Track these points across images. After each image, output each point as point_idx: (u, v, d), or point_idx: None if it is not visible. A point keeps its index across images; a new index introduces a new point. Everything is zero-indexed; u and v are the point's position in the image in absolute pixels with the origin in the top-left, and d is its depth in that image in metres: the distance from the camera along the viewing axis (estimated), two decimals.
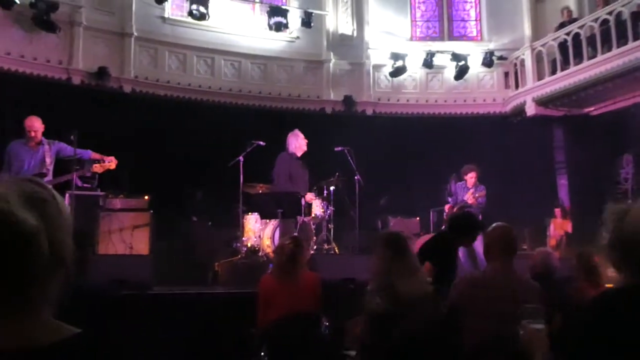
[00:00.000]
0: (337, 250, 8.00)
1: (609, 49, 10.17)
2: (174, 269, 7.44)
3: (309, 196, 7.46)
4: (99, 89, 10.43)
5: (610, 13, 10.20)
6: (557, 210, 10.30)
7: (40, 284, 1.03)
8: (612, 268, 1.62)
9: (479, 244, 8.22)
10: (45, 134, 6.83)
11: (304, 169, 7.72)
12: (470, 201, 8.53)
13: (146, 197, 7.54)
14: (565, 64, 11.12)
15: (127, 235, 7.07)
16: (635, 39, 9.67)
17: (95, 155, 6.76)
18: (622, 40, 9.91)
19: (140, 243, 7.11)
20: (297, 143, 7.61)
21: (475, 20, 13.32)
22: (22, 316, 1.02)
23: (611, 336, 1.45)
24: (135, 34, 10.95)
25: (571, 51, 10.94)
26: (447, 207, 8.90)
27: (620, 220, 1.58)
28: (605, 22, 10.27)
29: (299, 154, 7.64)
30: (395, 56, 12.27)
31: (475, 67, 12.50)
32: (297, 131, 7.80)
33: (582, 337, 1.54)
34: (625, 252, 1.56)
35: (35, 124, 6.59)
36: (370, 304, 3.34)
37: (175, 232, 9.15)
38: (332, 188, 8.32)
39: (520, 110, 12.07)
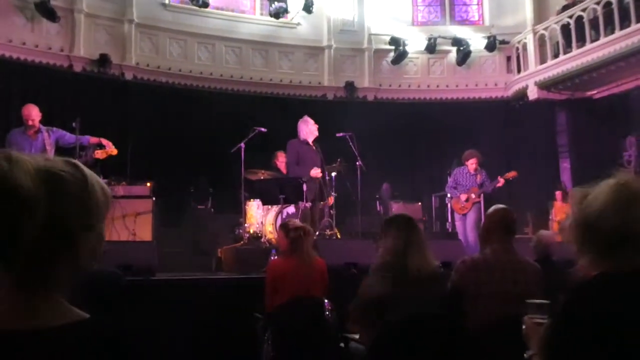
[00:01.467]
0: (339, 236, 8.01)
1: (612, 32, 10.11)
2: (178, 255, 7.48)
3: (314, 171, 7.45)
4: (100, 76, 10.42)
5: None
6: (559, 194, 10.30)
7: (40, 261, 1.03)
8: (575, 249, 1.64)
9: (470, 220, 8.31)
10: (47, 121, 6.84)
11: (317, 154, 7.71)
12: (500, 184, 8.55)
13: (148, 184, 7.55)
14: (568, 47, 11.06)
15: (130, 222, 7.08)
16: (638, 21, 9.60)
17: (94, 140, 6.75)
18: (626, 22, 9.84)
19: (143, 230, 7.13)
20: (308, 129, 7.65)
21: (477, 4, 13.24)
22: (30, 296, 1.03)
23: (581, 329, 1.45)
24: (136, 20, 10.92)
25: (574, 34, 10.88)
26: (462, 196, 8.72)
27: (580, 203, 1.59)
28: (608, 4, 10.19)
29: (310, 140, 7.66)
30: (397, 41, 12.22)
31: (477, 52, 12.45)
32: (306, 117, 7.82)
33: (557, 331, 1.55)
34: (583, 234, 1.57)
35: (33, 112, 6.58)
36: (372, 286, 3.36)
37: (178, 218, 9.18)
38: (334, 174, 8.32)
39: (522, 94, 12.03)
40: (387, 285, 3.28)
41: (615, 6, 10.02)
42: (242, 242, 7.56)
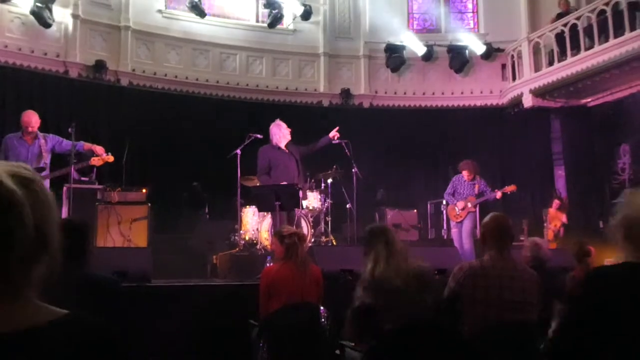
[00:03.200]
0: (334, 243, 8.02)
1: (606, 40, 10.17)
2: (173, 261, 7.45)
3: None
4: (96, 82, 10.41)
5: (607, 4, 10.19)
6: (554, 201, 10.33)
7: (25, 263, 1.03)
8: (617, 246, 1.76)
9: (466, 228, 8.31)
10: (43, 126, 6.82)
11: (291, 159, 7.41)
12: (498, 196, 8.58)
13: (144, 190, 7.54)
14: (562, 55, 11.12)
15: (125, 228, 7.08)
16: (632, 29, 9.67)
17: (87, 145, 6.71)
18: (620, 30, 9.90)
19: (138, 236, 7.13)
20: (280, 133, 7.29)
21: (473, 12, 13.32)
22: (10, 298, 1.03)
23: (607, 307, 1.54)
24: (132, 27, 10.93)
25: (568, 42, 10.94)
26: (459, 204, 8.72)
27: (628, 202, 1.72)
28: (602, 12, 10.26)
29: (283, 144, 7.36)
30: (393, 48, 12.27)
31: (473, 59, 12.50)
32: (278, 121, 7.47)
33: (580, 309, 1.66)
34: (629, 229, 1.68)
35: (33, 119, 6.56)
36: (355, 297, 3.39)
37: (174, 224, 9.17)
38: (329, 181, 8.33)
39: (517, 101, 12.08)
40: (377, 297, 3.30)
41: (609, 14, 10.09)
42: (237, 249, 7.56)
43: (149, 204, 7.48)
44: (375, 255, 3.44)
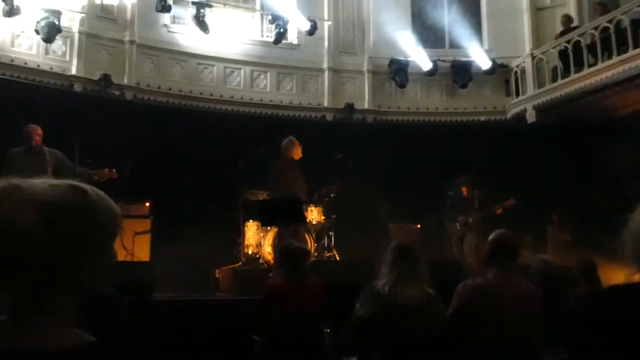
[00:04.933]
0: (337, 257, 8.00)
1: (610, 57, 10.20)
2: (175, 275, 7.45)
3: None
4: (100, 96, 10.45)
5: (610, 21, 10.24)
6: (557, 217, 10.30)
7: (39, 287, 1.03)
8: (627, 263, 1.70)
9: (468, 244, 8.29)
10: (48, 140, 6.84)
11: (302, 175, 7.67)
12: (498, 212, 8.60)
13: (147, 204, 7.55)
14: (566, 72, 11.15)
15: (128, 241, 7.07)
16: (635, 47, 9.69)
17: (90, 174, 6.71)
18: (623, 47, 9.93)
19: (141, 250, 7.13)
20: (295, 149, 7.59)
21: (477, 28, 13.34)
22: (33, 320, 1.04)
23: (629, 328, 1.50)
24: (138, 41, 10.99)
25: (572, 59, 10.97)
26: (460, 219, 8.79)
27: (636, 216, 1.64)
28: (605, 29, 10.30)
29: (296, 159, 7.60)
30: (397, 64, 12.30)
31: (477, 75, 12.52)
32: (292, 137, 7.76)
33: (598, 329, 1.60)
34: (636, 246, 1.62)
35: (35, 133, 6.59)
36: (359, 309, 3.38)
37: (176, 238, 9.15)
38: (332, 195, 8.33)
39: (521, 117, 12.09)
40: (376, 309, 3.29)
41: (612, 32, 10.12)
42: (240, 263, 7.54)
43: (152, 218, 7.49)
44: (397, 273, 3.42)
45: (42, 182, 1.09)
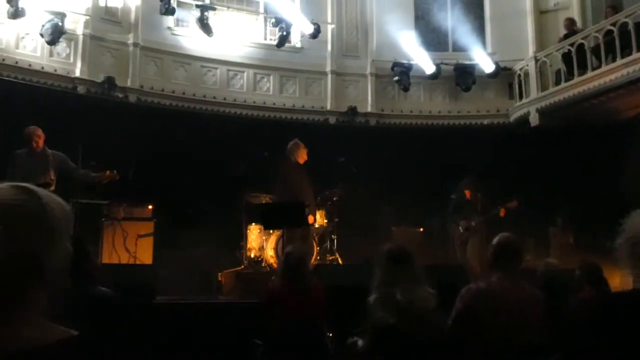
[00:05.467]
0: (340, 261, 7.98)
1: (614, 60, 10.17)
2: (178, 277, 7.44)
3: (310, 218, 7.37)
4: (104, 98, 10.47)
5: (614, 24, 10.21)
6: (560, 221, 10.27)
7: (7, 287, 1.06)
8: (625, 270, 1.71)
9: (471, 247, 8.26)
10: (51, 142, 6.86)
11: (307, 178, 7.69)
12: (501, 214, 8.59)
13: (150, 206, 7.55)
14: (569, 75, 11.13)
15: (130, 244, 7.08)
16: (639, 50, 9.66)
17: (92, 176, 6.75)
18: (627, 50, 9.91)
19: (144, 252, 7.13)
20: (300, 152, 7.61)
21: (480, 31, 13.33)
22: (6, 320, 1.05)
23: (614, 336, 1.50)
24: (142, 44, 11.01)
25: (575, 62, 10.95)
26: (462, 222, 8.81)
27: (635, 223, 1.67)
28: (609, 32, 10.28)
29: (301, 162, 7.63)
30: (400, 67, 12.29)
31: (480, 78, 12.51)
32: (298, 140, 7.78)
33: (608, 334, 1.60)
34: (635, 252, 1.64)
35: (36, 135, 6.62)
36: (374, 317, 3.33)
37: (179, 241, 9.15)
38: (335, 198, 8.32)
39: (524, 121, 12.07)
40: (388, 318, 3.26)
41: (616, 34, 10.10)
42: (242, 267, 7.54)
43: (155, 220, 7.49)
44: (391, 277, 3.39)
45: None
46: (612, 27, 10.23)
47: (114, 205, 7.32)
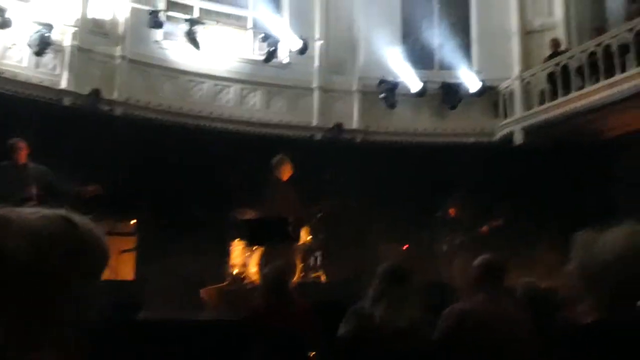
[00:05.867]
0: (325, 278, 7.95)
1: (597, 81, 10.32)
2: (161, 294, 7.35)
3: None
4: (89, 110, 10.40)
5: (598, 45, 10.37)
6: (547, 238, 10.30)
7: (33, 318, 1.03)
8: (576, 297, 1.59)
9: (457, 266, 8.28)
10: (35, 155, 6.79)
11: (292, 194, 7.63)
12: (484, 231, 8.61)
13: (133, 221, 7.48)
14: (554, 95, 11.26)
15: (113, 259, 6.98)
16: (622, 71, 9.82)
17: (76, 190, 6.68)
18: (610, 71, 10.05)
19: (125, 268, 7.04)
20: (284, 167, 7.56)
21: (466, 50, 13.45)
22: (30, 353, 1.02)
23: None
24: (129, 56, 10.98)
25: (560, 82, 11.09)
26: (448, 239, 8.85)
27: (589, 248, 1.53)
28: (593, 54, 10.43)
29: (285, 178, 7.57)
30: (386, 84, 12.37)
31: (466, 97, 12.61)
32: (282, 156, 7.75)
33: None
34: (592, 279, 1.51)
35: (19, 147, 6.54)
36: (341, 329, 3.36)
37: (163, 256, 9.06)
38: (320, 214, 8.30)
39: (509, 139, 12.17)
40: (362, 330, 3.27)
41: (600, 56, 10.25)
42: (225, 283, 7.48)
43: (138, 235, 7.42)
44: (388, 297, 3.38)
45: (33, 213, 1.09)
46: (596, 49, 10.38)
47: (97, 219, 7.24)
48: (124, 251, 7.11)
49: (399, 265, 3.66)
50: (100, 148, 9.89)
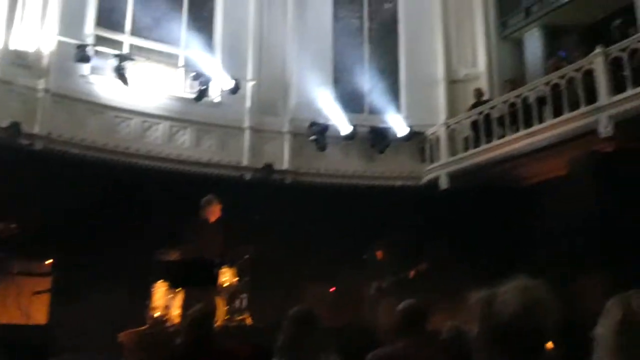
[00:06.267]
0: (250, 321, 7.78)
1: (517, 130, 10.80)
2: (76, 337, 6.98)
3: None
4: (8, 144, 9.93)
5: (518, 96, 10.90)
6: (469, 282, 10.52)
7: None
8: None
9: (383, 309, 8.30)
10: None
11: (219, 235, 7.49)
12: (411, 276, 8.68)
13: (49, 261, 7.12)
14: (477, 142, 11.69)
15: (24, 302, 6.60)
16: (540, 122, 10.32)
17: None
18: (529, 122, 10.55)
19: (38, 311, 6.65)
20: (212, 208, 7.46)
21: (395, 96, 13.82)
22: None
23: None
24: (53, 90, 10.62)
25: (482, 130, 11.54)
26: (374, 283, 8.90)
27: (488, 309, 1.52)
28: (513, 104, 10.94)
29: (212, 219, 7.46)
30: (317, 126, 12.50)
31: (394, 141, 12.90)
32: (211, 196, 7.65)
33: None
34: (495, 340, 1.49)
35: None
36: None
37: (80, 298, 8.64)
38: (247, 256, 8.17)
39: (434, 183, 12.49)
40: None
41: (520, 107, 10.76)
42: (145, 326, 7.18)
43: (54, 276, 7.05)
44: (298, 342, 3.30)
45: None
46: (516, 100, 10.90)
47: (8, 258, 6.84)
48: (37, 292, 6.71)
49: (309, 310, 3.60)
50: (17, 184, 9.43)
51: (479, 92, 12.45)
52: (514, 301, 1.49)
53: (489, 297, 1.53)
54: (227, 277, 7.73)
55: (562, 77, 10.07)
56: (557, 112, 10.01)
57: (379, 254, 8.89)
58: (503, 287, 1.53)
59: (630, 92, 8.76)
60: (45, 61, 10.67)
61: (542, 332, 1.47)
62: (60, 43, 10.74)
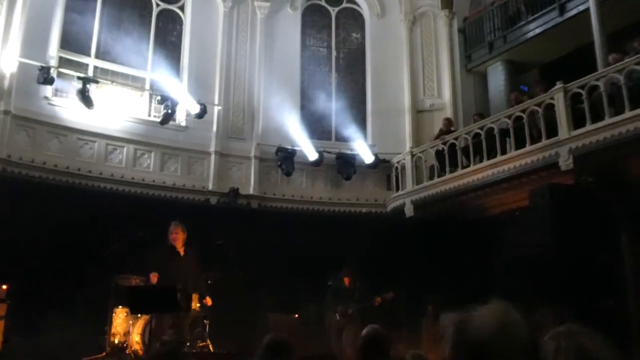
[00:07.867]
0: (211, 348, 7.65)
1: (481, 160, 10.97)
2: None
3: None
4: None
5: (482, 128, 11.10)
6: (430, 309, 10.57)
7: None
8: None
9: (347, 336, 8.24)
10: None
11: (185, 261, 7.40)
12: (377, 303, 8.68)
13: (4, 287, 6.90)
14: (442, 171, 11.84)
15: None
16: (503, 153, 10.51)
17: None
18: (492, 152, 10.73)
19: None
20: (176, 235, 7.39)
21: (362, 124, 13.94)
22: None
23: None
24: (13, 112, 10.39)
25: (447, 159, 11.70)
26: (339, 309, 8.89)
27: (461, 329, 1.54)
28: (477, 135, 11.13)
29: (178, 246, 7.37)
30: (283, 152, 12.52)
31: (360, 168, 12.99)
32: (176, 222, 7.57)
33: None
34: None
35: None
36: None
37: (37, 325, 8.38)
38: (210, 282, 8.06)
39: (400, 211, 12.57)
40: None
41: (483, 138, 10.95)
42: (104, 354, 6.99)
43: (9, 302, 6.83)
44: None
45: None
46: (479, 131, 11.09)
47: None
48: None
49: (282, 339, 3.54)
50: None
51: (449, 122, 12.65)
52: (491, 322, 1.51)
53: (464, 319, 1.54)
54: (190, 303, 7.61)
55: (523, 110, 10.29)
56: (520, 145, 10.21)
57: (346, 280, 8.86)
58: (479, 309, 1.55)
59: (589, 127, 8.98)
60: (6, 82, 10.45)
61: (517, 353, 1.49)
62: (22, 64, 10.56)
